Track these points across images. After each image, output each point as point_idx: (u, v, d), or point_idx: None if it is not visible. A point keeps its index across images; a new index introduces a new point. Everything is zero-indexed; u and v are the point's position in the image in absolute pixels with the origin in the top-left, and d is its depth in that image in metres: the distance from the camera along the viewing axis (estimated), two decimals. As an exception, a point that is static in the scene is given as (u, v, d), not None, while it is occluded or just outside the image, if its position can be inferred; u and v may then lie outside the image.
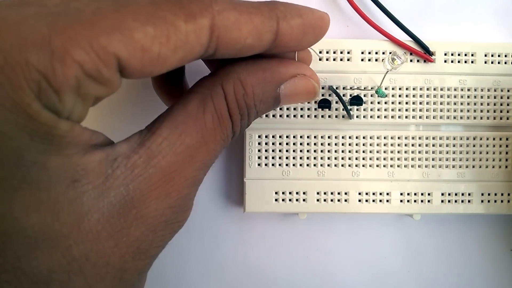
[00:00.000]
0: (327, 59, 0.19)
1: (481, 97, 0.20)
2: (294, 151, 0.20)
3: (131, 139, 0.12)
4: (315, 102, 0.19)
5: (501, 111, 0.20)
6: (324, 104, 0.19)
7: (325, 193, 0.20)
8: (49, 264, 0.10)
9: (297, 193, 0.20)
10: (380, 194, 0.20)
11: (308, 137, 0.20)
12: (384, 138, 0.20)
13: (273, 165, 0.20)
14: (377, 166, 0.20)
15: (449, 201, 0.20)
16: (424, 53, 0.19)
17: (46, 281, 0.11)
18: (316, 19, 0.13)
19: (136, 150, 0.12)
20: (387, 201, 0.20)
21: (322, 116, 0.19)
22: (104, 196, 0.11)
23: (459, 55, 0.20)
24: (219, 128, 0.13)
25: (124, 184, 0.11)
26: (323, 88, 0.19)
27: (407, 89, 0.20)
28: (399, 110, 0.20)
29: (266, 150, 0.19)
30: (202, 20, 0.11)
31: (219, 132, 0.13)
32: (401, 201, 0.20)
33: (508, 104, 0.20)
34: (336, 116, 0.20)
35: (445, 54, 0.20)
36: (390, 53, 0.18)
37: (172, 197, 0.12)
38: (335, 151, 0.20)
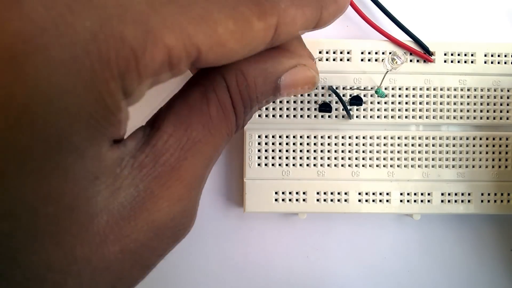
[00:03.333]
0: (327, 59, 0.19)
1: (481, 97, 0.20)
2: (294, 151, 0.20)
3: (135, 137, 0.11)
4: (315, 102, 0.19)
5: (501, 111, 0.20)
6: (325, 108, 0.19)
7: (325, 193, 0.20)
8: (48, 262, 0.10)
9: (297, 193, 0.20)
10: (380, 194, 0.20)
11: (308, 137, 0.20)
12: (384, 138, 0.20)
13: (273, 165, 0.20)
14: (377, 166, 0.20)
15: (449, 201, 0.20)
16: (424, 53, 0.19)
17: (40, 280, 0.10)
18: (345, 2, 0.14)
19: (142, 149, 0.11)
20: (387, 201, 0.20)
21: (322, 116, 0.19)
22: (114, 196, 0.10)
23: (459, 55, 0.20)
24: (225, 122, 0.13)
25: (133, 185, 0.11)
26: (323, 88, 0.19)
27: (407, 89, 0.20)
28: (399, 110, 0.20)
29: (266, 150, 0.20)
30: (271, 19, 0.11)
31: (225, 125, 0.13)
32: (401, 201, 0.20)
33: (508, 104, 0.20)
34: (336, 116, 0.20)
35: (445, 54, 0.20)
36: (390, 53, 0.18)
37: (183, 199, 0.12)
38: (335, 151, 0.20)
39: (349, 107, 0.19)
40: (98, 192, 0.10)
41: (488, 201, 0.20)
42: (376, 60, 0.20)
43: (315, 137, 0.20)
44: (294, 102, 0.19)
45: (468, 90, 0.20)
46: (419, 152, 0.20)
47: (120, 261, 0.11)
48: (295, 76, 0.14)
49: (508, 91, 0.20)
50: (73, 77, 0.08)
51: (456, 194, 0.20)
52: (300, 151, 0.20)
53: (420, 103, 0.20)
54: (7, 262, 0.09)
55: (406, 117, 0.20)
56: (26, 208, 0.09)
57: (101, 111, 0.09)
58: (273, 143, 0.20)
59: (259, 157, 0.20)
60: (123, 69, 0.09)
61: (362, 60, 0.20)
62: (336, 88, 0.19)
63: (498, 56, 0.20)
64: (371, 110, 0.20)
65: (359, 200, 0.20)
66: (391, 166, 0.20)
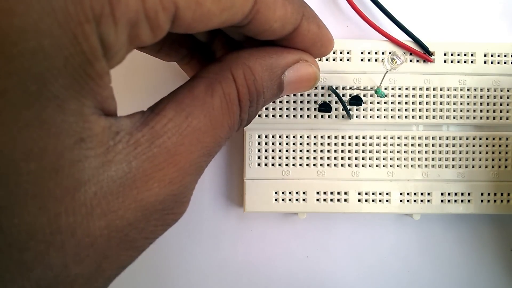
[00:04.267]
0: (326, 59, 0.19)
1: (481, 97, 0.20)
2: (294, 151, 0.20)
3: (133, 116, 0.11)
4: (315, 102, 0.19)
5: (500, 111, 0.20)
6: (325, 108, 0.19)
7: (324, 193, 0.20)
8: (30, 227, 0.09)
9: (296, 193, 0.20)
10: (380, 194, 0.20)
11: (308, 137, 0.20)
12: (384, 138, 0.20)
13: (273, 165, 0.20)
14: (377, 166, 0.20)
15: (448, 201, 0.20)
16: (424, 53, 0.19)
17: (21, 247, 0.09)
18: (327, 38, 0.14)
19: (139, 129, 0.11)
20: (387, 201, 0.20)
21: (322, 116, 0.20)
22: (104, 168, 0.10)
23: (458, 55, 0.20)
24: (227, 114, 0.13)
25: (126, 161, 0.10)
26: (322, 88, 0.19)
27: (406, 89, 0.20)
28: (399, 110, 0.20)
29: (266, 150, 0.20)
30: None
31: (227, 118, 0.13)
32: (400, 201, 0.20)
33: (507, 104, 0.20)
34: (335, 116, 0.20)
35: (445, 54, 0.20)
36: (389, 53, 0.18)
37: (175, 182, 0.11)
38: (335, 151, 0.20)
39: (348, 107, 0.19)
40: (85, 158, 0.09)
41: (488, 201, 0.20)
42: (376, 60, 0.20)
43: (315, 137, 0.20)
44: (294, 102, 0.19)
45: (468, 90, 0.20)
46: (419, 152, 0.20)
47: (106, 238, 0.10)
48: (298, 72, 0.14)
49: (507, 91, 0.20)
50: (47, 16, 0.08)
51: (456, 194, 0.20)
52: (300, 151, 0.20)
53: (420, 103, 0.20)
54: None
55: (406, 117, 0.20)
56: (6, 162, 0.08)
57: (78, 57, 0.09)
58: (273, 143, 0.20)
59: (259, 157, 0.20)
60: (98, 12, 0.09)
61: (362, 60, 0.20)
62: (336, 88, 0.19)
63: (498, 56, 0.20)
64: (370, 110, 0.20)
65: (359, 200, 0.20)
66: (391, 166, 0.20)
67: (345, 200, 0.20)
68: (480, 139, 0.20)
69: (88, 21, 0.08)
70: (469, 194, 0.20)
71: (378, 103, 0.20)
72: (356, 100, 0.19)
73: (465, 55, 0.20)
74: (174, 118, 0.11)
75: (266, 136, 0.20)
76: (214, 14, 0.11)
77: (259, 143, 0.20)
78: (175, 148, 0.11)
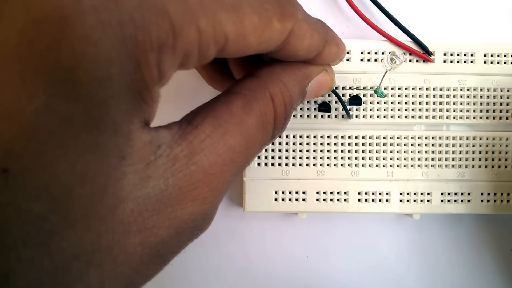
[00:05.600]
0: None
1: (481, 97, 0.20)
2: (293, 150, 0.20)
3: (170, 128, 0.11)
4: (315, 102, 0.19)
5: (500, 111, 0.20)
6: (324, 108, 0.19)
7: (324, 193, 0.20)
8: (76, 249, 0.09)
9: (296, 192, 0.20)
10: (380, 194, 0.20)
11: (307, 137, 0.20)
12: (384, 138, 0.20)
13: (272, 164, 0.20)
14: (377, 165, 0.20)
15: (448, 201, 0.20)
16: (424, 53, 0.20)
17: (66, 269, 0.09)
18: (344, 53, 0.15)
19: (178, 142, 0.10)
20: (387, 201, 0.20)
21: (322, 116, 0.20)
22: (142, 185, 0.10)
23: (458, 55, 0.20)
24: (262, 133, 0.13)
25: (164, 177, 0.10)
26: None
27: (406, 89, 0.20)
28: (399, 110, 0.20)
29: (265, 150, 0.20)
30: (289, 24, 0.11)
31: (261, 137, 0.13)
32: (400, 200, 0.20)
33: (507, 104, 0.20)
34: (335, 116, 0.20)
35: (445, 54, 0.20)
36: (389, 53, 0.18)
37: (207, 202, 0.11)
38: (335, 151, 0.20)
39: (348, 107, 0.19)
40: (125, 175, 0.09)
41: (488, 201, 0.20)
42: (375, 60, 0.20)
43: (314, 137, 0.20)
44: (294, 102, 0.19)
45: (468, 90, 0.20)
46: (418, 152, 0.20)
47: (140, 254, 0.10)
48: (320, 82, 0.15)
49: (507, 91, 0.20)
50: (119, 45, 0.08)
51: (455, 194, 0.20)
52: (300, 150, 0.20)
53: (419, 103, 0.20)
54: (37, 248, 0.08)
55: (405, 117, 0.20)
56: (62, 187, 0.08)
57: (139, 83, 0.09)
58: (272, 143, 0.20)
59: (258, 157, 0.20)
60: (162, 42, 0.09)
61: (361, 60, 0.20)
62: (336, 88, 0.19)
63: (498, 56, 0.20)
64: (370, 110, 0.20)
65: (359, 200, 0.20)
66: (390, 166, 0.20)
67: (345, 200, 0.20)
68: (480, 139, 0.20)
69: (153, 50, 0.09)
70: (469, 194, 0.20)
71: (377, 103, 0.20)
72: (355, 100, 0.19)
73: (465, 55, 0.20)
74: (212, 135, 0.11)
75: (266, 136, 0.20)
76: (253, 47, 0.11)
77: (259, 143, 0.20)
78: (211, 168, 0.11)
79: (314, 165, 0.20)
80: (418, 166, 0.20)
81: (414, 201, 0.20)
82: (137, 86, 0.09)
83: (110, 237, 0.09)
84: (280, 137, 0.20)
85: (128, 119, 0.09)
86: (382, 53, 0.20)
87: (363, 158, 0.20)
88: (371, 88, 0.19)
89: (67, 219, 0.09)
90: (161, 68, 0.09)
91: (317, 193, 0.20)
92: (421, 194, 0.20)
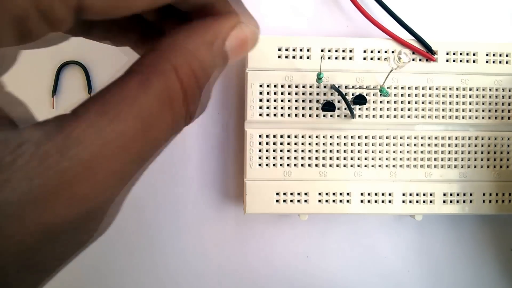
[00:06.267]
0: (329, 58, 0.19)
1: (483, 96, 0.20)
2: (295, 151, 0.19)
3: (48, 123, 0.10)
4: (317, 101, 0.19)
5: (502, 111, 0.20)
6: (329, 107, 0.19)
7: (326, 194, 0.19)
8: None
9: (298, 194, 0.19)
10: (382, 195, 0.19)
11: (309, 136, 0.19)
12: (386, 138, 0.19)
13: (274, 165, 0.19)
14: (379, 166, 0.19)
15: (451, 202, 0.20)
16: (427, 52, 0.19)
17: None
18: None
19: (50, 137, 0.09)
20: (389, 201, 0.19)
21: (324, 116, 0.19)
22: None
23: (461, 54, 0.19)
24: (166, 112, 0.11)
25: (27, 178, 0.09)
26: (325, 87, 0.19)
27: (409, 88, 0.19)
28: (402, 109, 0.19)
29: (267, 150, 0.19)
30: None
31: (165, 116, 0.11)
32: (403, 201, 0.19)
33: (509, 104, 0.20)
34: (338, 116, 0.19)
35: (447, 54, 0.19)
36: (397, 51, 0.18)
37: (88, 199, 0.10)
38: (337, 151, 0.19)
39: (352, 106, 0.19)
40: None
41: (490, 201, 0.20)
42: (378, 58, 0.19)
43: (317, 136, 0.19)
44: (296, 101, 0.19)
45: (470, 89, 0.20)
46: (421, 152, 0.20)
47: (7, 266, 0.09)
48: (238, 38, 0.13)
49: (509, 90, 0.20)
50: None
51: (458, 195, 0.20)
52: (302, 151, 0.19)
53: (422, 103, 0.19)
54: None
55: (408, 116, 0.19)
56: None
57: None
58: (274, 143, 0.19)
59: (260, 157, 0.19)
60: None
61: (364, 58, 0.19)
62: (339, 87, 0.19)
63: (500, 55, 0.20)
64: (373, 109, 0.19)
65: (361, 201, 0.19)
66: (393, 166, 0.19)
67: (348, 201, 0.19)
68: (482, 139, 0.20)
69: None
70: (471, 195, 0.20)
71: (381, 102, 0.19)
72: (360, 99, 0.19)
73: (467, 54, 0.20)
74: (95, 123, 0.10)
75: (267, 136, 0.19)
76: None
77: (260, 143, 0.19)
78: (92, 160, 0.10)
79: (316, 165, 0.19)
80: (421, 166, 0.20)
81: (417, 201, 0.20)
82: None
83: None
84: (281, 136, 0.19)
85: None
86: (386, 52, 0.19)
87: (366, 159, 0.19)
88: (374, 87, 0.19)
89: None
90: None
91: (319, 194, 0.19)
92: (424, 194, 0.20)
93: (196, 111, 0.12)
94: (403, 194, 0.20)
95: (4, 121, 0.09)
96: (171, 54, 0.11)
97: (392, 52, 0.19)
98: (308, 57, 0.19)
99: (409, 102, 0.19)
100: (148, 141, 0.11)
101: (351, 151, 0.19)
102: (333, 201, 0.19)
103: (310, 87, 0.19)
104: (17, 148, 0.09)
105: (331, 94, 0.19)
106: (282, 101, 0.19)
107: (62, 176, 0.09)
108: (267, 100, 0.19)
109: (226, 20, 0.12)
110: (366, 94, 0.19)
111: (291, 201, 0.19)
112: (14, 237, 0.09)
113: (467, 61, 0.20)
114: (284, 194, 0.19)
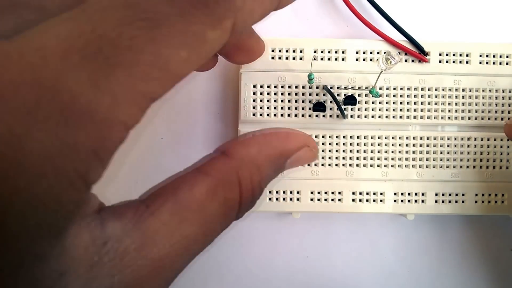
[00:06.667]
0: (321, 59, 0.19)
1: (476, 97, 0.20)
2: (288, 150, 0.20)
3: (124, 216, 0.10)
4: (310, 102, 0.19)
5: (495, 112, 0.20)
6: (319, 107, 0.19)
7: (319, 193, 0.20)
8: None
9: (290, 192, 0.20)
10: (374, 194, 0.20)
11: (302, 136, 0.20)
12: (378, 138, 0.20)
13: (267, 164, 0.20)
14: (371, 166, 0.20)
15: (443, 201, 0.20)
16: (419, 53, 0.19)
17: None
18: None
19: (129, 233, 0.10)
20: (381, 201, 0.20)
21: (316, 116, 0.19)
22: (86, 287, 0.09)
23: (454, 55, 0.20)
24: (223, 219, 0.12)
25: (109, 275, 0.10)
26: (317, 87, 0.19)
27: (401, 89, 0.20)
28: (394, 110, 0.20)
29: (260, 149, 0.19)
30: (226, 23, 0.10)
31: (222, 223, 0.12)
32: (395, 201, 0.20)
33: (502, 105, 0.20)
34: (330, 116, 0.20)
35: (440, 54, 0.20)
36: (384, 53, 0.18)
37: None
38: (329, 151, 0.20)
39: (343, 107, 0.19)
40: (65, 286, 0.09)
41: (482, 201, 0.20)
42: (371, 60, 0.19)
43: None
44: (289, 101, 0.19)
45: (463, 90, 0.20)
46: (413, 152, 0.20)
47: None
48: (300, 159, 0.14)
49: (503, 91, 0.20)
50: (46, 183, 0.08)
51: (450, 195, 0.20)
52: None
53: (414, 103, 0.20)
54: None
55: (400, 117, 0.20)
56: None
57: (67, 199, 0.09)
58: (267, 142, 0.19)
59: (253, 156, 0.19)
60: (87, 168, 0.09)
61: (357, 59, 0.19)
62: (331, 87, 0.19)
63: (493, 56, 0.20)
64: (365, 110, 0.20)
65: (353, 200, 0.20)
66: (385, 166, 0.20)
67: (339, 200, 0.20)
68: (475, 139, 0.20)
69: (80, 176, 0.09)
70: (463, 195, 0.20)
71: (373, 103, 0.20)
72: (350, 100, 0.19)
73: (460, 55, 0.20)
74: (168, 223, 0.11)
75: (260, 135, 0.19)
76: (191, 69, 0.10)
77: (253, 142, 0.19)
78: (161, 260, 0.11)
79: (308, 164, 0.20)
80: (413, 166, 0.20)
81: (409, 201, 0.20)
82: (65, 204, 0.09)
83: None
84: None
85: (62, 229, 0.09)
86: (378, 53, 0.19)
87: (357, 158, 0.20)
88: (366, 88, 0.19)
89: None
90: (91, 179, 0.09)
91: (312, 193, 0.20)
92: (416, 194, 0.20)
93: (241, 216, 0.13)
94: (395, 194, 0.20)
95: (89, 210, 0.10)
96: (239, 166, 0.12)
97: (385, 53, 0.19)
98: (301, 58, 0.19)
99: (401, 103, 0.20)
100: (205, 243, 0.12)
101: (343, 151, 0.20)
102: (325, 199, 0.20)
103: (303, 87, 0.19)
104: (103, 246, 0.10)
105: (324, 94, 0.19)
106: (275, 101, 0.19)
107: (137, 273, 0.10)
108: (260, 100, 0.19)
109: (295, 139, 0.14)
110: (358, 95, 0.19)
111: (284, 199, 0.20)
112: None
113: (460, 62, 0.20)
114: (277, 192, 0.20)
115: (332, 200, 0.20)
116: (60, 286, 0.09)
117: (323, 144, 0.20)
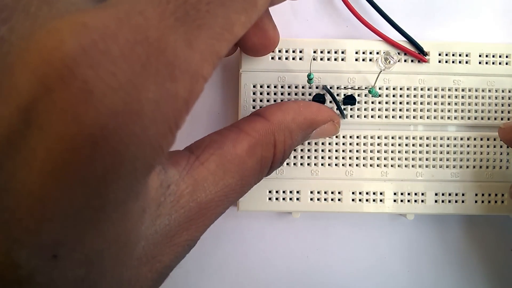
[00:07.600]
0: (321, 59, 0.19)
1: (475, 97, 0.20)
2: (288, 150, 0.20)
3: (179, 164, 0.12)
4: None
5: (495, 112, 0.20)
6: (319, 99, 0.19)
7: (318, 192, 0.20)
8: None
9: (290, 192, 0.20)
10: (374, 193, 0.20)
11: (302, 136, 0.20)
12: (378, 137, 0.20)
13: (267, 164, 0.20)
14: (371, 165, 0.20)
15: (442, 201, 0.20)
16: (418, 53, 0.19)
17: None
18: None
19: (185, 179, 0.12)
20: (381, 200, 0.20)
21: (316, 116, 0.20)
22: (152, 224, 0.11)
23: (453, 55, 0.20)
24: (258, 174, 0.14)
25: (169, 214, 0.11)
26: (317, 87, 0.19)
27: (401, 89, 0.20)
28: (393, 110, 0.20)
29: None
30: None
31: (256, 177, 0.14)
32: (394, 200, 0.20)
33: (502, 105, 0.20)
34: (330, 116, 0.20)
35: (439, 55, 0.20)
36: (383, 53, 0.18)
37: (200, 231, 0.13)
38: (329, 151, 0.20)
39: (343, 107, 0.19)
40: (142, 223, 0.11)
41: (482, 201, 0.20)
42: (370, 60, 0.20)
43: (309, 136, 0.20)
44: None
45: (463, 90, 0.20)
46: (413, 152, 0.20)
47: (150, 279, 0.12)
48: (324, 130, 0.17)
49: (502, 91, 0.20)
50: (143, 144, 0.09)
51: (450, 195, 0.20)
52: (294, 150, 0.20)
53: (414, 103, 0.20)
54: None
55: (400, 117, 0.20)
56: (96, 253, 0.10)
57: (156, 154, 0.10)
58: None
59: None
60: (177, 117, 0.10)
61: (356, 59, 0.20)
62: (330, 87, 0.19)
63: (493, 56, 0.20)
64: (365, 109, 0.20)
65: (353, 200, 0.20)
66: (385, 165, 0.20)
67: (339, 200, 0.20)
68: (475, 139, 0.20)
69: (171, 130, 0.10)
70: (463, 195, 0.20)
71: (372, 102, 0.20)
72: (350, 100, 0.19)
73: (460, 55, 0.20)
74: (214, 173, 0.13)
75: (260, 135, 0.20)
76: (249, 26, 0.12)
77: (253, 142, 0.20)
78: (207, 203, 0.12)
79: (308, 164, 0.20)
80: (413, 166, 0.20)
81: (408, 201, 0.20)
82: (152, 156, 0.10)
83: (129, 272, 0.11)
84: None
85: (146, 180, 0.10)
86: (377, 53, 0.19)
87: (357, 158, 0.20)
88: (365, 88, 0.19)
89: (102, 276, 0.10)
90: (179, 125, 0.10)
91: (311, 192, 0.20)
92: (415, 194, 0.20)
93: (271, 172, 0.16)
94: (395, 194, 0.20)
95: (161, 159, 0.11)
96: (276, 130, 0.15)
97: (383, 53, 0.19)
98: (300, 58, 0.19)
99: (401, 103, 0.20)
100: (242, 193, 0.14)
101: (343, 151, 0.20)
102: (325, 199, 0.20)
103: (302, 87, 0.19)
104: (167, 189, 0.11)
105: (323, 94, 0.19)
106: (275, 101, 0.19)
107: (188, 214, 0.12)
108: (260, 100, 0.20)
109: (323, 114, 0.16)
110: (358, 95, 0.20)
111: (283, 199, 0.20)
112: (157, 258, 0.12)
113: (460, 62, 0.20)
114: (277, 192, 0.20)
115: (332, 200, 0.20)
116: (141, 222, 0.11)
117: (322, 144, 0.20)
